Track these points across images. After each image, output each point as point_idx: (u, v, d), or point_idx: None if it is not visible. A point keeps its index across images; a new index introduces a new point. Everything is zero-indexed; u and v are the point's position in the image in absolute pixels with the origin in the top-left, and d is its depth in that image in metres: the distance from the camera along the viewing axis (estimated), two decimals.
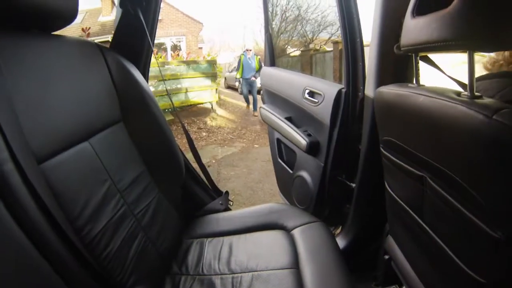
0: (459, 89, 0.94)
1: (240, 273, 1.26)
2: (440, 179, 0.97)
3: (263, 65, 7.70)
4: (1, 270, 0.66)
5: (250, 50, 9.94)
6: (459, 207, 0.90)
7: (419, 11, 0.97)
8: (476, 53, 0.84)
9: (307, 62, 9.36)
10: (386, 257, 1.60)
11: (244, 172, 4.62)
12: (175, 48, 15.56)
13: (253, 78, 9.55)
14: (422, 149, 1.02)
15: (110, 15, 14.30)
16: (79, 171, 1.02)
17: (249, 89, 10.04)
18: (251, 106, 10.14)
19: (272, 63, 2.74)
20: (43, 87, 0.98)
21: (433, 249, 1.10)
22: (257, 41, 21.67)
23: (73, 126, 1.05)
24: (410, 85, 1.11)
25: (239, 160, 5.14)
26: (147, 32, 1.52)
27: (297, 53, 10.25)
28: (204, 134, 7.18)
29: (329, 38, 7.84)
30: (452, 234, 1.02)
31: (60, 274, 0.77)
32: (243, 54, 9.91)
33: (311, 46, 10.22)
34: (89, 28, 7.80)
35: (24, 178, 0.75)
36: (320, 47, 9.72)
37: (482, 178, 0.82)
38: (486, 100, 0.81)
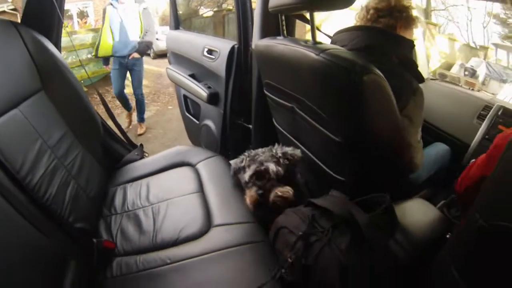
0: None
1: (157, 203, 1.49)
2: (302, 106, 1.28)
3: (156, 28, 4.67)
4: None
5: None
6: (315, 124, 1.22)
7: None
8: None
9: (220, 22, 9.16)
10: None
11: (161, 132, 4.76)
12: (82, 15, 14.16)
13: (134, 55, 4.39)
14: (288, 86, 1.33)
15: None
16: (15, 133, 1.20)
17: (122, 82, 4.66)
18: (134, 114, 4.99)
19: (177, 26, 2.89)
20: None
21: (310, 163, 1.42)
22: None
23: (4, 95, 1.21)
24: (278, 37, 1.40)
25: (155, 123, 5.21)
26: (56, 6, 1.62)
27: (211, 13, 10.15)
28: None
29: None
30: (317, 146, 1.36)
31: (19, 212, 0.98)
32: (111, 4, 4.32)
33: (224, 6, 10.19)
34: None
35: None
36: (233, 8, 9.72)
37: (321, 101, 1.15)
38: (323, 45, 1.12)
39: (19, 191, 1.05)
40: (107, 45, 4.35)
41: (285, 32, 1.42)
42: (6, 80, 1.25)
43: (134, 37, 4.33)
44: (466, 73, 3.44)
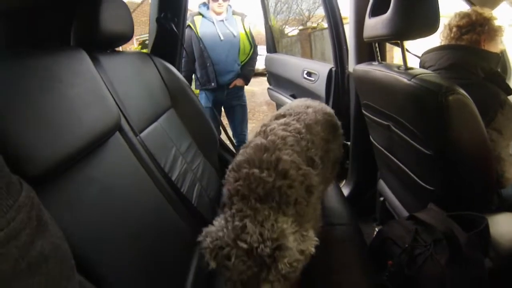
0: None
1: None
2: (397, 124, 1.43)
3: (257, 49, 3.22)
4: (134, 193, 1.15)
5: None
6: (409, 140, 1.37)
7: (373, 14, 1.44)
8: None
9: (306, 40, 9.12)
10: (381, 199, 2.02)
11: None
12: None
13: (237, 82, 3.25)
14: (384, 106, 1.49)
15: None
16: (158, 140, 1.51)
17: (218, 125, 2.59)
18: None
19: (274, 50, 3.20)
20: (126, 87, 1.44)
21: (403, 175, 1.55)
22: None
23: (148, 111, 1.54)
24: (373, 63, 1.59)
25: None
26: (180, 40, 2.02)
27: (295, 32, 10.31)
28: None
29: None
30: (409, 159, 1.49)
31: (169, 202, 1.29)
32: (199, 13, 3.17)
33: (309, 24, 10.29)
34: None
35: (135, 134, 1.29)
36: (318, 25, 9.75)
37: (414, 119, 1.30)
38: (413, 70, 1.28)
39: (168, 185, 1.35)
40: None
41: (379, 57, 1.60)
42: (149, 99, 1.59)
43: (233, 60, 3.20)
44: None
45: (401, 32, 1.26)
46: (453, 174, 1.29)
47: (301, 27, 10.02)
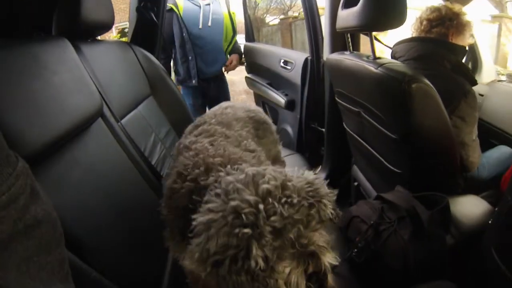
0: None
1: None
2: (367, 111, 1.51)
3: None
4: (113, 171, 1.21)
5: None
6: (376, 124, 1.44)
7: (345, 6, 1.50)
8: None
9: (287, 30, 9.08)
10: (355, 183, 2.07)
11: None
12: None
13: (233, 58, 2.98)
14: (355, 93, 1.57)
15: None
16: (138, 127, 1.56)
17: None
18: None
19: (252, 39, 3.24)
20: (108, 75, 1.48)
21: (373, 160, 1.63)
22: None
23: (128, 98, 1.59)
24: (345, 52, 1.66)
25: None
26: (160, 29, 2.05)
27: (277, 21, 10.23)
28: None
29: None
30: (378, 144, 1.56)
31: (146, 180, 1.35)
32: None
33: (290, 13, 10.22)
34: None
35: (117, 121, 1.34)
36: (299, 14, 9.66)
37: (381, 106, 1.38)
38: (381, 60, 1.36)
39: (148, 169, 1.41)
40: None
41: (351, 47, 1.67)
42: (130, 87, 1.64)
43: (217, 48, 2.86)
44: None
45: (370, 23, 1.33)
46: (418, 158, 1.36)
47: (282, 16, 9.95)
